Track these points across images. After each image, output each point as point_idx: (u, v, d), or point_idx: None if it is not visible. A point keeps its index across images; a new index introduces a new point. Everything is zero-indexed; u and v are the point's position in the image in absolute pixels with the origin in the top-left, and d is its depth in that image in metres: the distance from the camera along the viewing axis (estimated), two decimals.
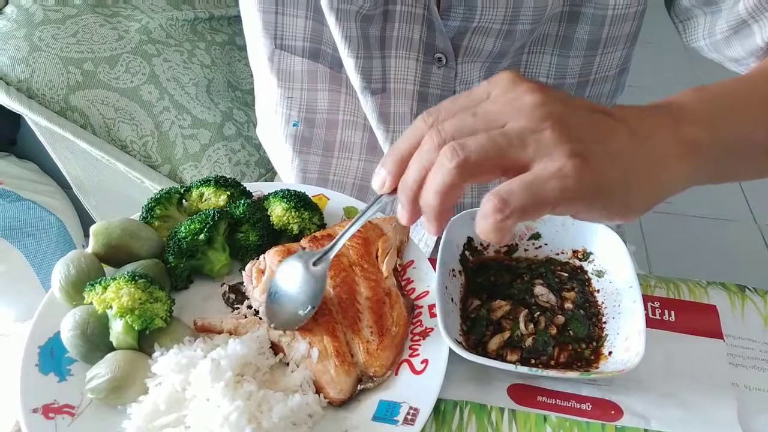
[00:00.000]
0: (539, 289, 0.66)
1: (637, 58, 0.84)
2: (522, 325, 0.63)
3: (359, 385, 0.59)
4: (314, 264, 0.59)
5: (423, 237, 0.87)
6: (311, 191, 0.74)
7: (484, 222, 0.43)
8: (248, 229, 0.68)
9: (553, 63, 0.75)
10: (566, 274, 0.69)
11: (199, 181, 0.73)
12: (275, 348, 0.60)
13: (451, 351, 0.59)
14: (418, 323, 0.64)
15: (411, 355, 0.61)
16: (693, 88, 0.54)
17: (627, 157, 0.46)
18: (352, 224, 0.57)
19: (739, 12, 0.67)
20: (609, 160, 0.45)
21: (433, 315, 0.63)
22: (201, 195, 0.72)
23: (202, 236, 0.66)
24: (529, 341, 0.62)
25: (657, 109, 0.51)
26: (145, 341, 0.59)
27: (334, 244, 0.59)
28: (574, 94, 0.79)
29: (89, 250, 0.66)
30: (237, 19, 1.44)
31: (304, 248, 0.66)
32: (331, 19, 0.72)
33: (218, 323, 0.61)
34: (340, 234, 0.59)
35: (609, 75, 0.78)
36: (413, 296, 0.66)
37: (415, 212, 0.47)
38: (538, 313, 0.64)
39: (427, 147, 0.45)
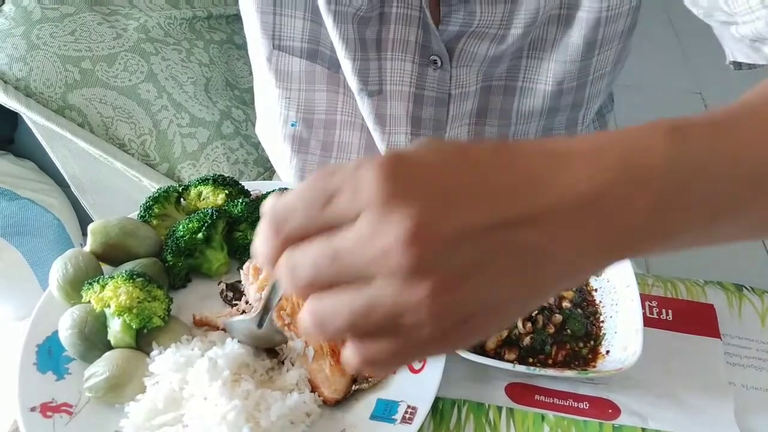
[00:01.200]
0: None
1: (634, 57, 0.84)
2: (520, 324, 0.63)
3: (354, 386, 0.59)
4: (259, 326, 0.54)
5: None
6: None
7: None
8: (246, 228, 0.68)
9: (551, 69, 0.75)
10: None
11: (198, 180, 0.73)
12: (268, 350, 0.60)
13: None
14: None
15: None
16: (670, 130, 0.34)
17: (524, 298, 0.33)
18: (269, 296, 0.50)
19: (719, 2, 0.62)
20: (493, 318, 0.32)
21: None
22: (199, 194, 0.72)
23: (200, 235, 0.66)
24: (527, 340, 0.62)
25: (595, 208, 0.31)
26: (142, 340, 0.59)
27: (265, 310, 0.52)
28: (574, 97, 0.79)
29: (87, 248, 0.66)
30: (235, 18, 1.44)
31: None
32: (328, 21, 0.72)
33: (215, 318, 0.62)
34: (262, 303, 0.52)
35: (606, 71, 0.78)
36: None
37: None
38: (536, 312, 0.64)
39: (282, 279, 0.32)
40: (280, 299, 0.51)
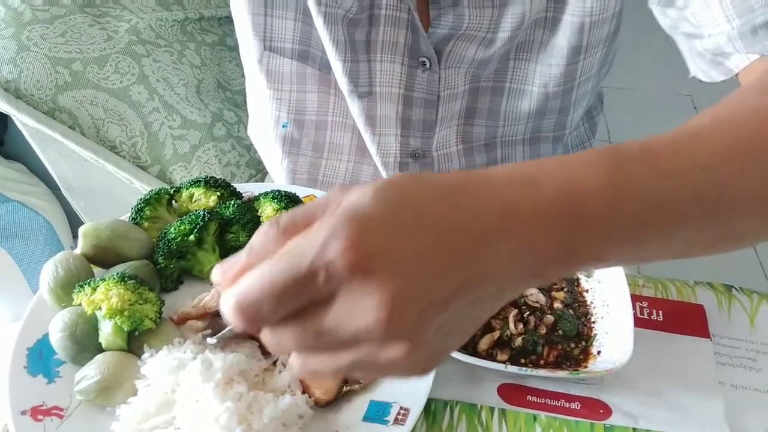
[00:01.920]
0: (529, 289, 0.67)
1: (624, 60, 0.84)
2: (512, 325, 0.63)
3: (345, 387, 0.59)
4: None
5: None
6: (302, 192, 0.74)
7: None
8: (238, 230, 0.68)
9: (538, 71, 0.76)
10: None
11: (190, 182, 0.73)
12: (262, 349, 0.60)
13: None
14: None
15: None
16: (611, 177, 0.36)
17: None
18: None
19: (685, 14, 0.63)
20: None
21: None
22: (191, 195, 0.72)
23: (192, 237, 0.65)
24: (518, 341, 0.62)
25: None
26: (134, 342, 0.59)
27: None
28: (561, 101, 0.79)
29: (78, 251, 0.65)
30: (227, 20, 1.44)
31: None
32: (318, 22, 0.72)
33: (190, 310, 0.62)
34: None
35: (591, 74, 0.79)
36: None
37: None
38: (528, 312, 0.64)
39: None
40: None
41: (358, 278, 0.31)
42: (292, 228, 0.34)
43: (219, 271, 0.35)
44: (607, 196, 0.35)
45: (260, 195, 0.72)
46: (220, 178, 0.74)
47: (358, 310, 0.32)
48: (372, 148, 0.82)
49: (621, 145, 0.38)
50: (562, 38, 0.73)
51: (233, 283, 0.34)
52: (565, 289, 0.67)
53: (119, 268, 0.63)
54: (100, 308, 0.57)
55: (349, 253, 0.31)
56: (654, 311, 0.69)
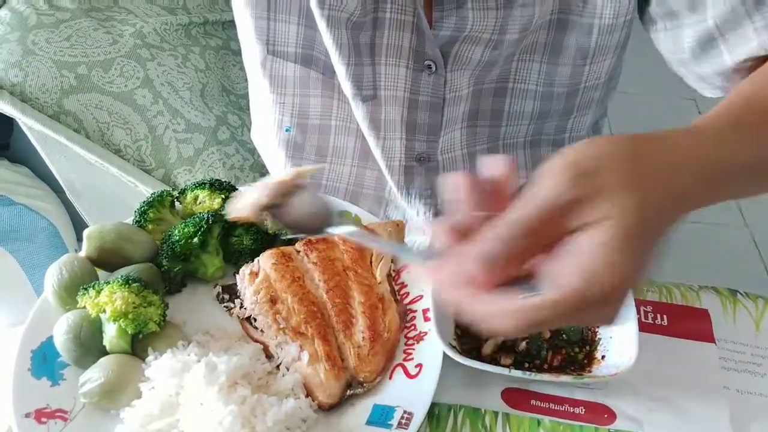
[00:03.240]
0: None
1: (628, 64, 0.84)
2: None
3: (348, 390, 0.59)
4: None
5: (418, 242, 0.87)
6: None
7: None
8: (242, 233, 0.68)
9: (542, 71, 0.76)
10: None
11: (194, 184, 0.73)
12: (266, 352, 0.60)
13: (445, 355, 0.59)
14: (413, 327, 0.64)
15: (405, 360, 0.61)
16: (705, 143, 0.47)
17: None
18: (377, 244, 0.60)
19: (708, 27, 0.65)
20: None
21: (427, 319, 0.63)
22: (196, 198, 0.72)
23: (196, 240, 0.65)
24: (522, 345, 0.62)
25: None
26: (138, 345, 0.59)
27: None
28: (565, 103, 0.79)
29: (82, 254, 0.65)
30: (231, 24, 1.44)
31: (298, 251, 0.66)
32: (321, 25, 0.72)
33: (245, 214, 0.55)
34: (370, 240, 0.58)
35: (599, 83, 0.78)
36: (408, 300, 0.66)
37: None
38: None
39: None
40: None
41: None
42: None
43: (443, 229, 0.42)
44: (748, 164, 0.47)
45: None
46: (224, 181, 0.74)
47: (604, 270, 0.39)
48: (376, 152, 0.82)
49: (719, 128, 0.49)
50: (570, 39, 0.73)
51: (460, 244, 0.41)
52: None
53: (123, 271, 0.63)
54: (104, 311, 0.58)
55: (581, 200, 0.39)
56: (658, 316, 0.69)
